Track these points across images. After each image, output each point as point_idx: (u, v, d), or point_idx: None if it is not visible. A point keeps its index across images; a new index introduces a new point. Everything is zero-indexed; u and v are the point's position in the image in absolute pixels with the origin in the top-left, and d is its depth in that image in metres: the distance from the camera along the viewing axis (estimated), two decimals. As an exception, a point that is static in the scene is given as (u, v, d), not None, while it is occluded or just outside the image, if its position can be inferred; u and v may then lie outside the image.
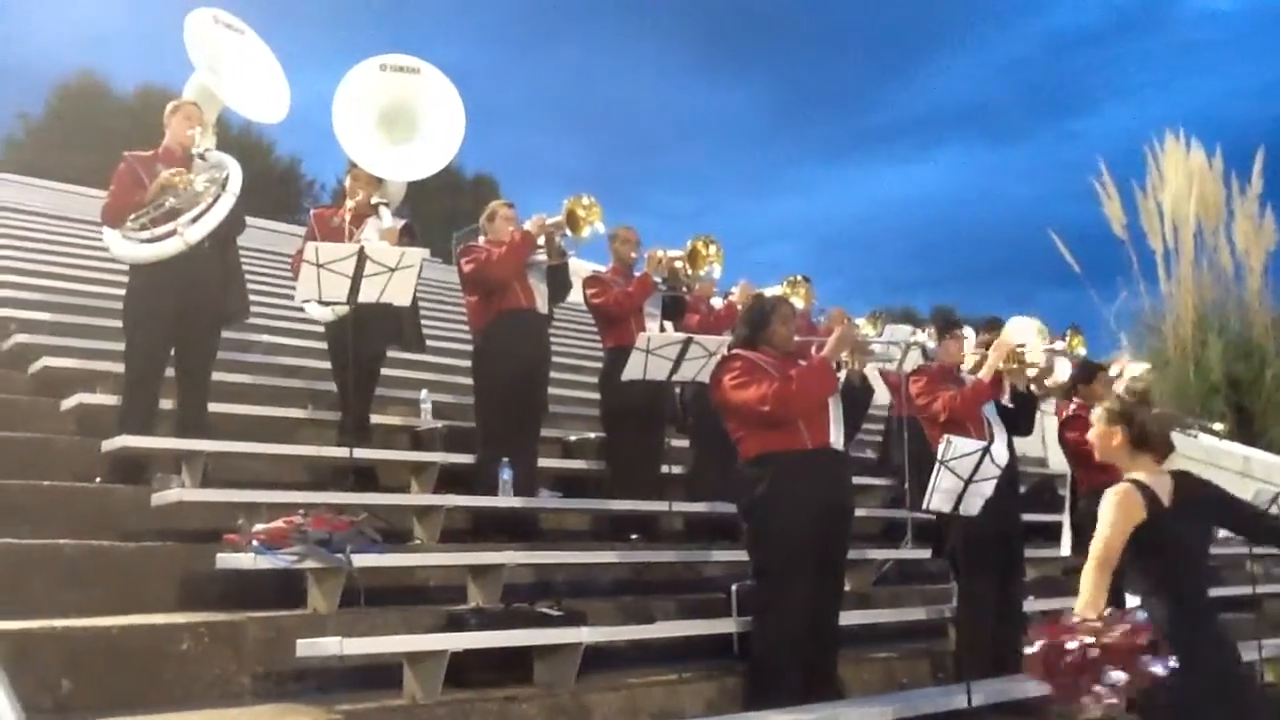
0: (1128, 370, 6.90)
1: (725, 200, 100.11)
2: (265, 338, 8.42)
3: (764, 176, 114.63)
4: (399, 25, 72.26)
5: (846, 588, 6.04)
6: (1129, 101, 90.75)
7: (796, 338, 5.12)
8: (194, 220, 5.62)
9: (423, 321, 7.31)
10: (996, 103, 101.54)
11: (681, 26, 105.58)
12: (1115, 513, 3.44)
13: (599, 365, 7.19)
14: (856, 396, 5.04)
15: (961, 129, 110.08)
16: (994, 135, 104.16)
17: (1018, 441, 6.11)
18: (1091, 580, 3.37)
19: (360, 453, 5.86)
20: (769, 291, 6.52)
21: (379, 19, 72.80)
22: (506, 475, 5.91)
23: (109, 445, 5.39)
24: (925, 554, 6.54)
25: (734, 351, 4.98)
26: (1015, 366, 5.74)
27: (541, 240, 6.26)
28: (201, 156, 5.81)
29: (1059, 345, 6.18)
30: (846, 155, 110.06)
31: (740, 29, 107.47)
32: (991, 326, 6.89)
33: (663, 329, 6.68)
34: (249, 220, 6.62)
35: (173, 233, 5.59)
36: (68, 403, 6.11)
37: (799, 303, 6.36)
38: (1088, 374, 6.41)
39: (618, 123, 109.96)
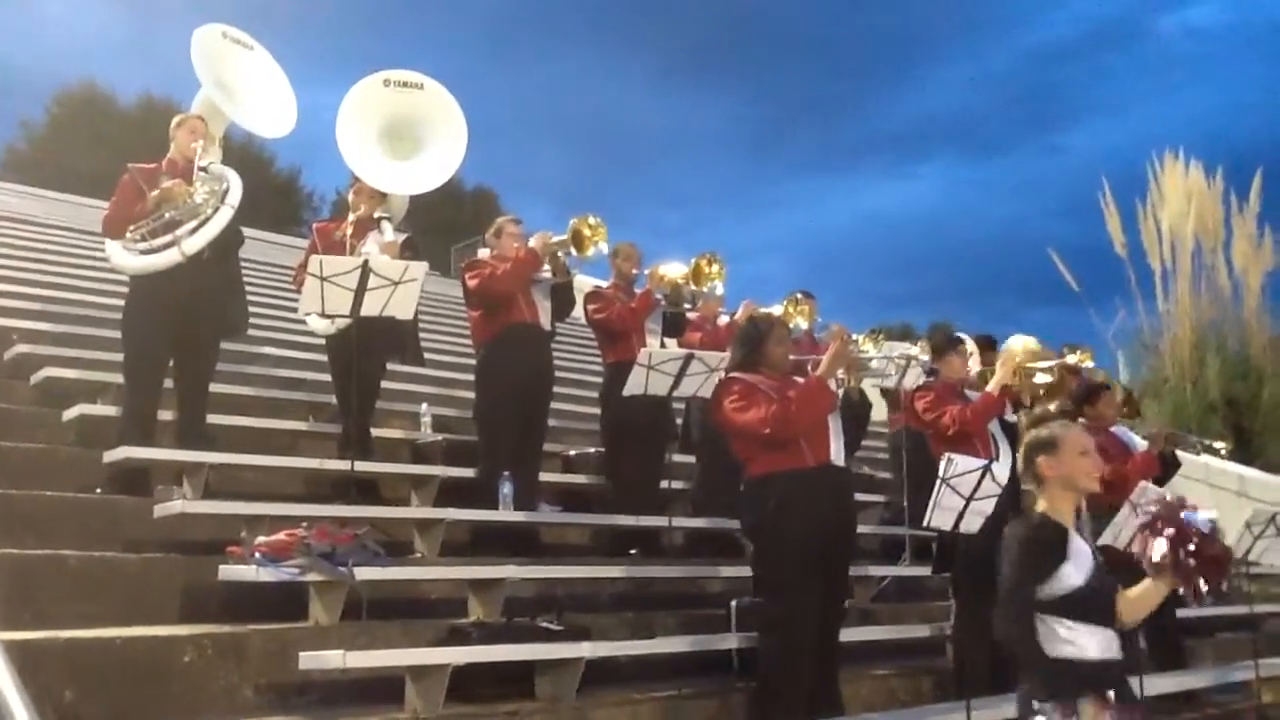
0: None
1: (712, 215, 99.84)
2: (268, 350, 8.43)
3: (750, 191, 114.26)
4: (388, 36, 72.42)
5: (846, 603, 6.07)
6: (1113, 116, 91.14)
7: (792, 356, 5.15)
8: (192, 232, 5.62)
9: (421, 335, 7.32)
10: (981, 116, 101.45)
11: (666, 41, 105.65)
12: None
13: (600, 380, 7.21)
14: (856, 412, 5.09)
15: (947, 143, 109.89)
16: (979, 149, 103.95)
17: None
18: None
19: (361, 466, 5.88)
20: (774, 310, 6.53)
21: (369, 30, 73.05)
22: (507, 489, 5.93)
23: (111, 456, 5.40)
24: (925, 571, 6.54)
25: (732, 375, 5.02)
26: (1023, 381, 5.72)
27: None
28: (204, 169, 5.82)
29: (1071, 359, 6.04)
30: (832, 169, 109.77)
31: (724, 43, 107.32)
32: (986, 345, 6.84)
33: (663, 345, 6.69)
34: (249, 233, 6.64)
35: (171, 244, 5.59)
36: (69, 413, 6.11)
37: (803, 322, 6.33)
38: (1091, 394, 6.38)
39: (604, 137, 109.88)
